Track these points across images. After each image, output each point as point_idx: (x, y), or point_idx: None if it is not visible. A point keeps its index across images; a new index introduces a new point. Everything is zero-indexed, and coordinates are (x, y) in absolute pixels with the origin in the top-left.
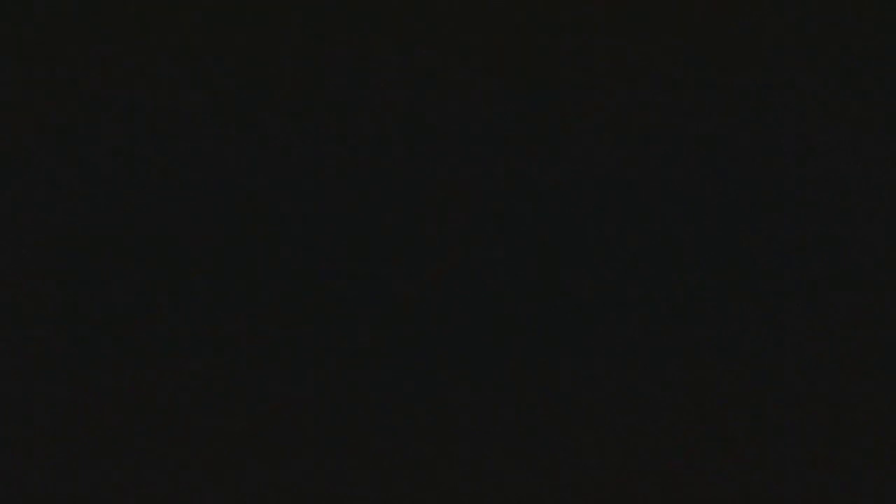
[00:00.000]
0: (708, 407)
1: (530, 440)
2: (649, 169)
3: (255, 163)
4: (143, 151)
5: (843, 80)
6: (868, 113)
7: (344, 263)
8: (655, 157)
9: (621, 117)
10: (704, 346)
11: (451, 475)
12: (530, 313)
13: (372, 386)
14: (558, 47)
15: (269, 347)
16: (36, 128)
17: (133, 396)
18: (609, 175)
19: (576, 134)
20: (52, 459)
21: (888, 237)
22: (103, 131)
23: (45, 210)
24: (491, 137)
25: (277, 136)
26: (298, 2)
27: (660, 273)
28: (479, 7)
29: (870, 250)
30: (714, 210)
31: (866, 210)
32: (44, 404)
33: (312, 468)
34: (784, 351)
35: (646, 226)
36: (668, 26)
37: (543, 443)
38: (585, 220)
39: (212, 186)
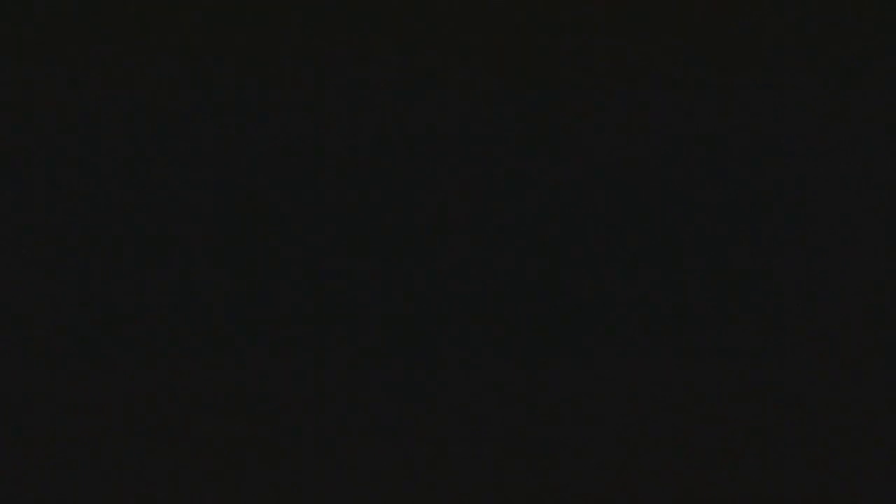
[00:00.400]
0: (708, 407)
1: (530, 440)
2: (649, 169)
3: (255, 163)
4: (143, 151)
5: (843, 80)
6: (868, 113)
7: (344, 263)
8: (655, 157)
9: (621, 117)
10: (704, 346)
11: (451, 475)
12: (530, 313)
13: (372, 386)
14: (558, 47)
15: (269, 347)
16: (36, 128)
17: (133, 396)
18: (609, 175)
19: (576, 134)
20: (52, 459)
21: (888, 237)
22: (103, 131)
23: (45, 210)
24: (491, 137)
25: (277, 136)
26: (298, 2)
27: (660, 273)
28: (479, 7)
29: (870, 250)
30: (714, 210)
31: (866, 210)
32: (44, 404)
33: (312, 468)
34: (784, 351)
35: (646, 226)
36: (668, 26)
37: (543, 443)
38: (585, 220)
39: (212, 186)
